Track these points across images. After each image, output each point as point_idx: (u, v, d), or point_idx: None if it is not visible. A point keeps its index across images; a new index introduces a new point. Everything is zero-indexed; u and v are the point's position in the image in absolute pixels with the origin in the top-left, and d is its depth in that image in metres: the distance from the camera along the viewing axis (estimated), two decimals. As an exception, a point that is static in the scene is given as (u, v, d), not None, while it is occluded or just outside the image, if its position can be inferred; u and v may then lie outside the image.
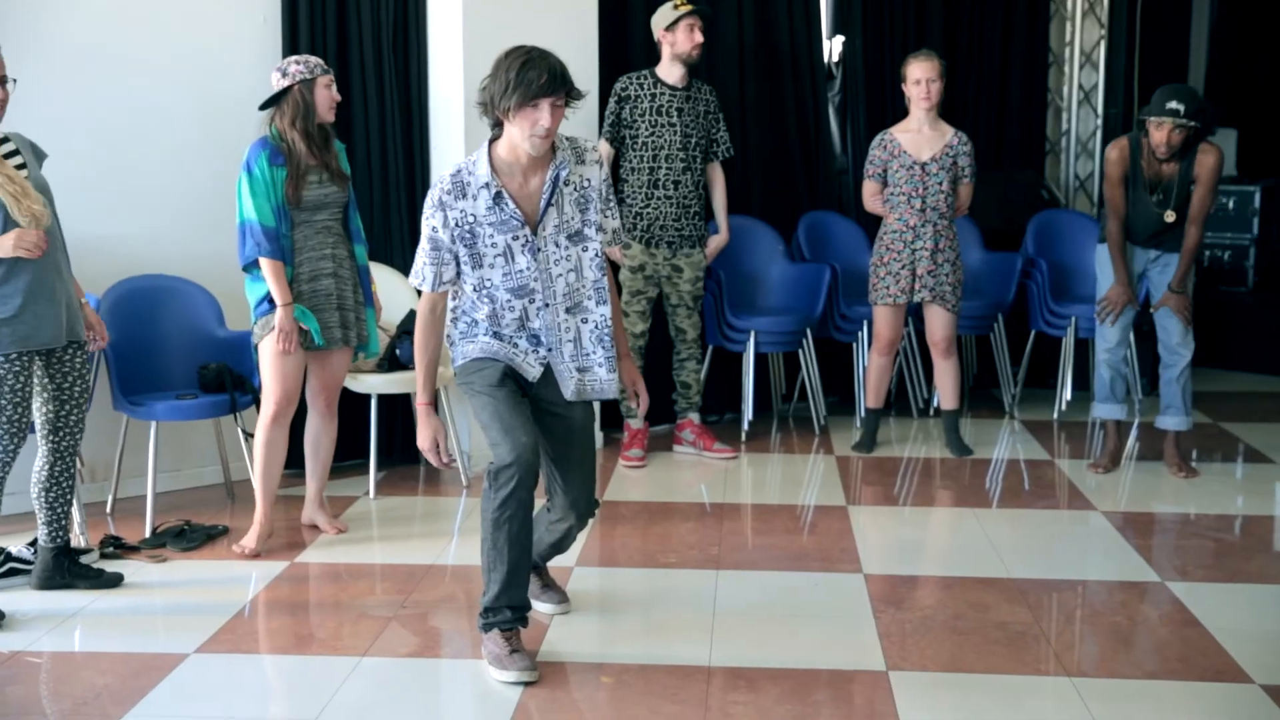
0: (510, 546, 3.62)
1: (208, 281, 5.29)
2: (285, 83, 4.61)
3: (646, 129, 5.84)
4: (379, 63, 5.78)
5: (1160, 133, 5.40)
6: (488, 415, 3.65)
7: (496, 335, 3.71)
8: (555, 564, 4.23)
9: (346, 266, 4.76)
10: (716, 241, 6.12)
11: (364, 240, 4.88)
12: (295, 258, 4.64)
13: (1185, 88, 5.55)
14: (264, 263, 4.55)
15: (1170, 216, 5.54)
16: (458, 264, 3.69)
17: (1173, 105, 5.36)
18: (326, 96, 4.65)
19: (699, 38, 5.83)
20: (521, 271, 3.65)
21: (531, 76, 3.48)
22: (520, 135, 3.55)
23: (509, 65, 3.52)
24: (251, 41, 5.55)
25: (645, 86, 5.86)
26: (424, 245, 3.69)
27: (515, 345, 3.71)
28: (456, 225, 3.63)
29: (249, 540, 4.73)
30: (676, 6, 5.83)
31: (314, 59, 4.68)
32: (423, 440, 3.77)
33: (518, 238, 3.63)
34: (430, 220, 3.66)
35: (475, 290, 3.68)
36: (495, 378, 3.66)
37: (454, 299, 3.78)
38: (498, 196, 3.61)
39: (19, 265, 3.98)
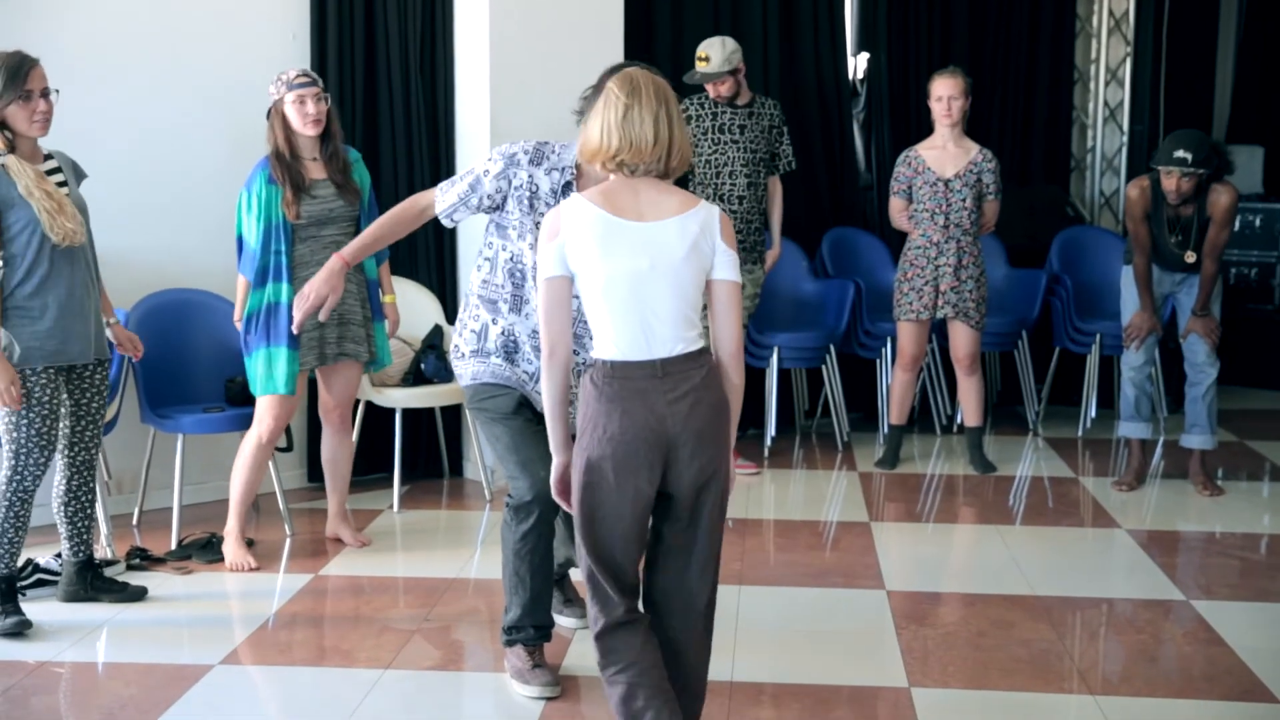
0: (533, 576, 3.63)
1: (235, 296, 5.32)
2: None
3: (709, 146, 5.88)
4: (406, 78, 5.81)
5: (1170, 181, 5.41)
6: (503, 447, 3.61)
7: (508, 358, 3.66)
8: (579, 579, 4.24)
9: (352, 280, 4.72)
10: (772, 255, 6.14)
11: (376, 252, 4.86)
12: (298, 273, 4.59)
13: (1193, 134, 5.51)
14: (239, 277, 4.67)
15: (1190, 258, 5.58)
16: (489, 213, 3.59)
17: (1179, 154, 5.36)
18: (298, 112, 4.58)
19: (724, 91, 5.84)
20: None
21: None
22: None
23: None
24: (280, 58, 5.57)
25: (706, 105, 5.91)
26: (463, 180, 3.59)
27: (526, 372, 3.63)
28: (516, 187, 3.54)
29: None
30: (699, 59, 5.81)
31: (290, 73, 4.63)
32: (314, 289, 3.68)
33: None
34: (489, 165, 3.56)
35: (505, 267, 3.59)
36: (509, 406, 3.62)
37: (465, 309, 3.72)
38: (566, 187, 3.54)
39: (52, 279, 4.00)
